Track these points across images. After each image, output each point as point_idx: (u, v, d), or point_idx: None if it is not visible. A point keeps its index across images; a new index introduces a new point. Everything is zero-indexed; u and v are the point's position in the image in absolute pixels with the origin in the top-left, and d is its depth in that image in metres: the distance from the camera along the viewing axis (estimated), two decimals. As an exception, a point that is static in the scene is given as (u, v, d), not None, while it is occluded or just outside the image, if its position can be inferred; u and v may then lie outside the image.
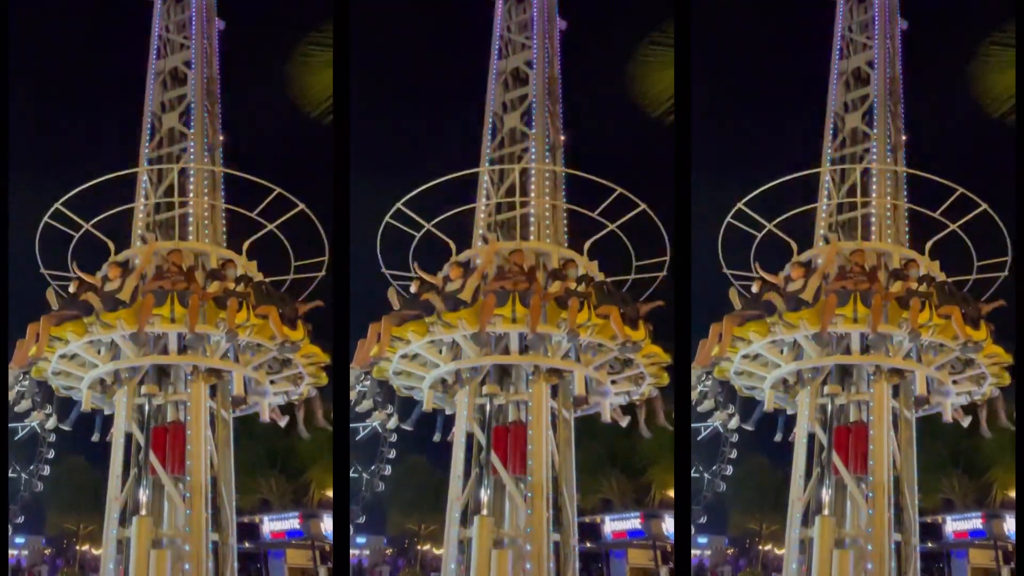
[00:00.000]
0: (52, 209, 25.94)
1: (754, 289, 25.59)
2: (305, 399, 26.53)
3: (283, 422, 26.65)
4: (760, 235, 26.60)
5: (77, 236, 26.09)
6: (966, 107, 34.06)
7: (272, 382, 25.96)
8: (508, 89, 28.81)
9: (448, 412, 25.90)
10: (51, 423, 26.42)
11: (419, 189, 26.41)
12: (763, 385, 25.76)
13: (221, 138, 28.40)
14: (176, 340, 24.95)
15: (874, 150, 27.82)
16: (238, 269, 25.61)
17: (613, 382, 25.99)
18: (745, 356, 25.43)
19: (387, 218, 26.48)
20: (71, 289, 25.21)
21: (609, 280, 26.11)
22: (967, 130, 34.48)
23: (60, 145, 32.68)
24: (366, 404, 26.62)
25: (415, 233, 26.57)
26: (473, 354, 25.04)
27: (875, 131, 28.04)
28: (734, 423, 26.94)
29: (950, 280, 26.02)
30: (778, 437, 26.38)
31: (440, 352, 25.41)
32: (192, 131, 27.73)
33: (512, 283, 24.78)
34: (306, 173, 29.17)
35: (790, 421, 25.84)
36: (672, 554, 37.23)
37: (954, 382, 25.95)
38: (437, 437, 26.38)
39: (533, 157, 27.72)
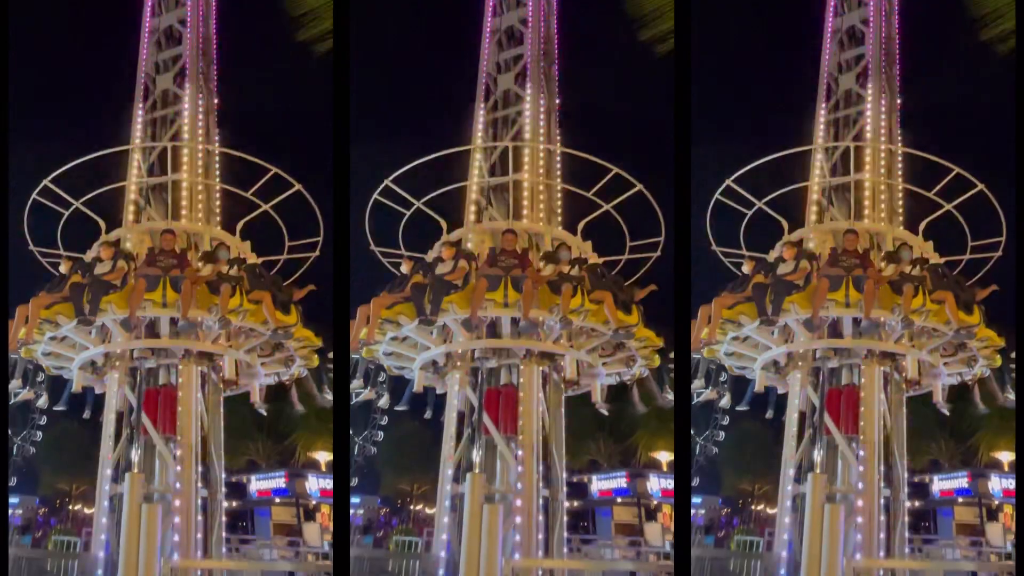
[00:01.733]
0: (41, 186, 25.72)
1: (745, 269, 25.52)
2: (295, 379, 26.56)
3: (263, 409, 26.68)
4: (750, 212, 26.45)
5: (67, 213, 25.89)
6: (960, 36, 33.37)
7: (263, 363, 25.93)
8: (502, 49, 28.24)
9: (439, 391, 25.94)
10: (42, 401, 26.40)
11: (408, 166, 26.18)
12: (753, 366, 25.81)
13: (216, 101, 27.94)
14: (167, 322, 24.90)
15: (868, 114, 27.46)
16: (231, 251, 25.42)
17: (604, 363, 26.01)
18: (735, 338, 25.42)
19: (375, 195, 26.25)
20: (61, 269, 25.09)
21: (602, 261, 25.99)
22: (963, 82, 34.05)
23: (53, 115, 32.24)
24: (356, 384, 26.59)
25: (405, 211, 26.38)
26: (464, 339, 25.07)
27: (869, 92, 27.66)
28: (726, 402, 27.00)
29: (943, 261, 25.93)
30: (769, 414, 26.46)
31: (431, 335, 25.36)
32: (187, 92, 27.34)
33: (504, 270, 24.68)
34: (300, 142, 28.92)
35: (781, 399, 25.89)
36: (656, 511, 37.62)
37: (945, 363, 26.01)
38: (428, 414, 26.53)
39: (527, 120, 27.32)
